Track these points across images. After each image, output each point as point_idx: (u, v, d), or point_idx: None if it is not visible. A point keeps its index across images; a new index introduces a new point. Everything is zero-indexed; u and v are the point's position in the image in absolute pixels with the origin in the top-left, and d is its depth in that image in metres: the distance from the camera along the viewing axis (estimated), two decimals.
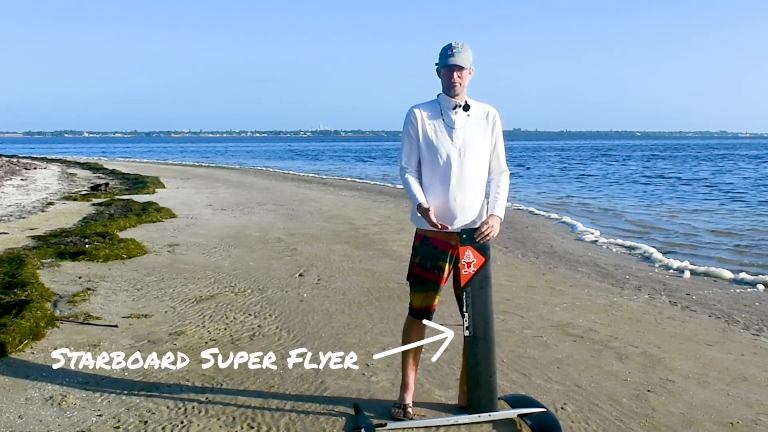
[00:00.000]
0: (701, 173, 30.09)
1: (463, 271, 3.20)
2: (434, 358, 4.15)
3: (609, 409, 3.51)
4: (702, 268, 7.76)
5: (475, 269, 3.19)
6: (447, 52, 3.20)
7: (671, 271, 7.73)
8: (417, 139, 3.26)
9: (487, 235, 3.16)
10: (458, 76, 3.20)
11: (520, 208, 15.09)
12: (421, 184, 3.26)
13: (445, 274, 3.29)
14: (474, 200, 3.24)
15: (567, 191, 21.17)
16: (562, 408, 3.50)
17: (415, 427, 3.25)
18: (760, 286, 6.84)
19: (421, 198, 3.21)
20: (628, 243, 9.69)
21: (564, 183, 25.17)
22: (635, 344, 4.66)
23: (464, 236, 3.18)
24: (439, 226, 3.15)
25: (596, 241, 10.04)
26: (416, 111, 3.28)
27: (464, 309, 3.22)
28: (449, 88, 3.23)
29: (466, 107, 3.25)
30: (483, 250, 3.19)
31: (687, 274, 7.52)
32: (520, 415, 3.31)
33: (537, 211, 14.29)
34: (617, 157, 50.94)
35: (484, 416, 3.26)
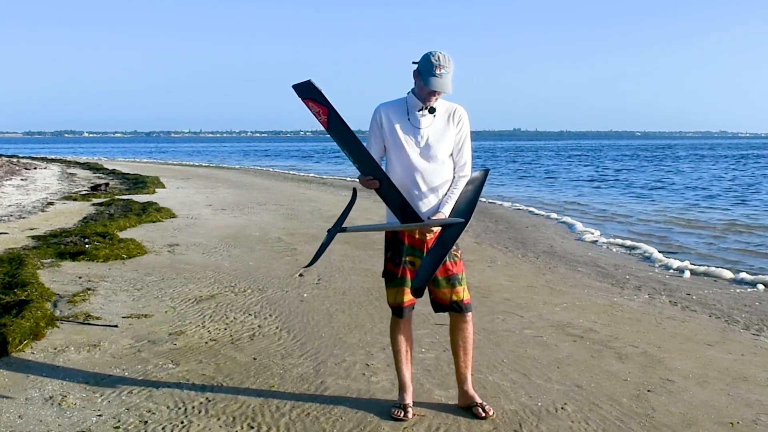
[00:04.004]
0: (703, 174, 30.12)
1: (318, 118, 3.07)
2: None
3: (609, 409, 3.51)
4: (702, 268, 7.74)
5: (325, 117, 3.05)
6: (433, 70, 3.10)
7: (671, 271, 7.72)
8: (381, 139, 3.28)
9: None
10: (436, 97, 3.21)
11: (520, 208, 15.08)
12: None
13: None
14: (438, 198, 3.28)
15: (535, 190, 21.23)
16: (562, 408, 3.50)
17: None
18: (760, 286, 6.83)
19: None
20: (628, 243, 9.68)
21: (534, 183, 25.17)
22: (635, 344, 4.66)
23: (298, 91, 3.02)
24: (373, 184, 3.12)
25: (596, 241, 10.03)
26: (382, 110, 3.28)
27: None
28: (424, 101, 3.22)
29: (432, 110, 3.23)
30: (323, 101, 3.02)
31: (687, 274, 7.52)
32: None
33: (537, 211, 14.28)
34: (612, 157, 50.95)
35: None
